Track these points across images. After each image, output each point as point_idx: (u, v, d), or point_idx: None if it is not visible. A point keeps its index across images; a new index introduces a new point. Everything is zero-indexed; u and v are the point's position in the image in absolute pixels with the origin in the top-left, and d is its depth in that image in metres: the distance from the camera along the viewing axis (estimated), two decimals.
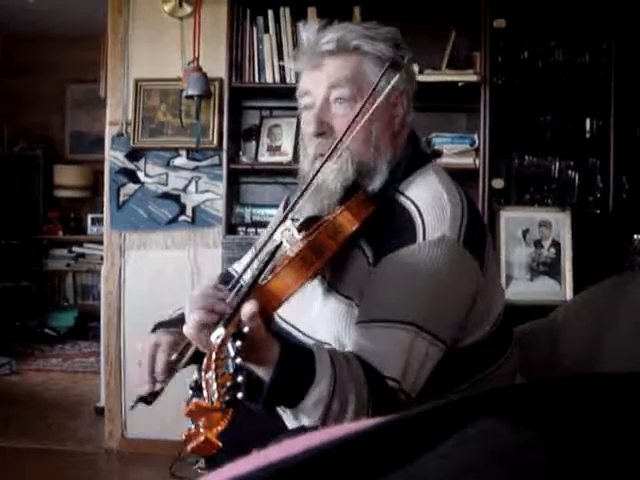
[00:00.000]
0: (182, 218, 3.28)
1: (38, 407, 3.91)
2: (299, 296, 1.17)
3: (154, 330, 1.40)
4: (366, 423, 0.33)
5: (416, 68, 2.85)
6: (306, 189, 1.25)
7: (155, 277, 3.26)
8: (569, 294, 2.81)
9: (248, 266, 1.28)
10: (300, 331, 1.36)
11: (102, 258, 3.50)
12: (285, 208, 1.66)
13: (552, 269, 2.88)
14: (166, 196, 3.29)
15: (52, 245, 6.12)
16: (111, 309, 3.32)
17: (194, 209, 3.28)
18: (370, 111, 1.28)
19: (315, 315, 1.35)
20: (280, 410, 1.30)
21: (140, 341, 1.32)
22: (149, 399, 1.25)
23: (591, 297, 1.84)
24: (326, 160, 1.26)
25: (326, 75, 1.33)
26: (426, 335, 1.18)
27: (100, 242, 3.98)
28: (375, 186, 1.34)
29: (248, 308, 1.00)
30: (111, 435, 3.32)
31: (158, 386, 1.24)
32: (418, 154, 1.43)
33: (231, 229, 3.10)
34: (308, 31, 1.36)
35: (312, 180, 1.26)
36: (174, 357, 1.24)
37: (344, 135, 1.27)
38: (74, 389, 4.30)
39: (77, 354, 5.28)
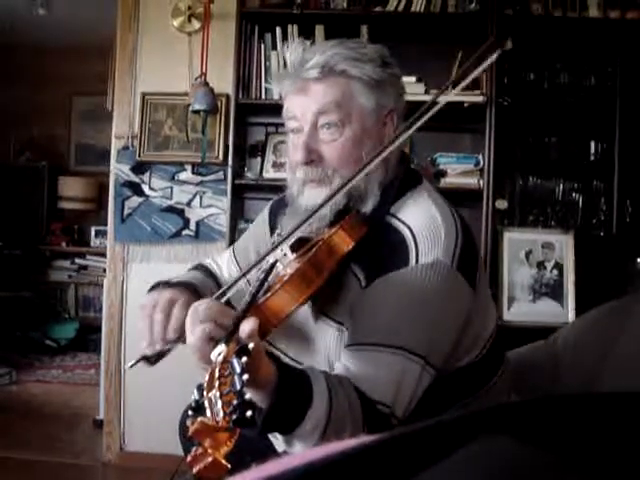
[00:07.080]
0: (186, 232, 3.29)
1: (37, 418, 3.90)
2: (288, 322, 1.14)
3: (153, 289, 1.33)
4: (369, 438, 0.33)
5: (422, 88, 2.87)
6: (304, 220, 1.22)
7: None
8: (571, 316, 2.80)
9: (236, 281, 1.23)
10: (290, 357, 1.32)
11: (104, 270, 3.51)
12: (271, 217, 1.64)
13: (555, 291, 2.88)
14: (170, 210, 3.30)
15: (55, 256, 6.11)
16: (113, 321, 3.32)
17: (198, 223, 3.29)
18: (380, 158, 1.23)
19: (306, 341, 1.31)
20: (271, 436, 1.24)
21: (150, 296, 1.24)
22: (153, 360, 1.17)
23: (592, 320, 1.83)
24: (324, 203, 1.22)
25: (313, 101, 1.29)
26: (417, 359, 1.15)
27: (103, 254, 3.99)
28: (367, 208, 1.31)
29: (248, 326, 0.97)
30: (109, 448, 3.31)
31: (167, 346, 1.17)
32: (409, 174, 1.39)
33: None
34: (292, 55, 1.31)
35: (312, 215, 1.22)
36: None
37: (345, 184, 1.23)
38: (73, 401, 4.28)
39: (77, 366, 5.26)
